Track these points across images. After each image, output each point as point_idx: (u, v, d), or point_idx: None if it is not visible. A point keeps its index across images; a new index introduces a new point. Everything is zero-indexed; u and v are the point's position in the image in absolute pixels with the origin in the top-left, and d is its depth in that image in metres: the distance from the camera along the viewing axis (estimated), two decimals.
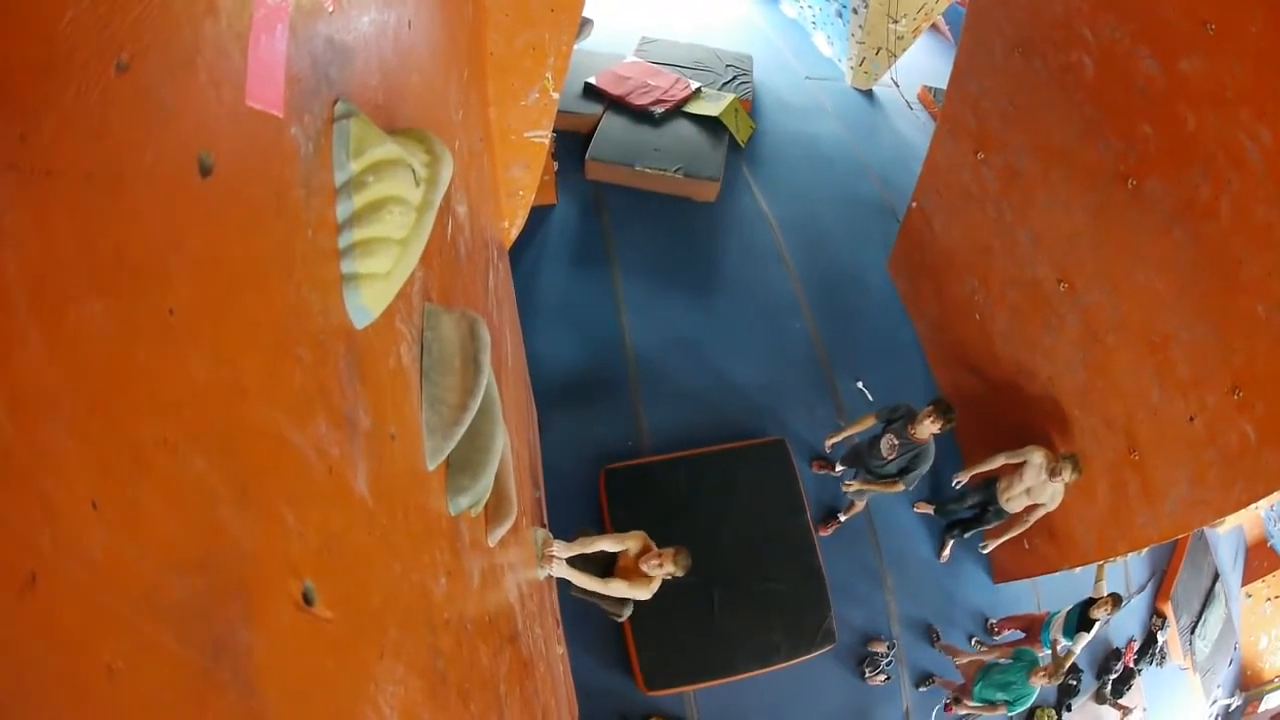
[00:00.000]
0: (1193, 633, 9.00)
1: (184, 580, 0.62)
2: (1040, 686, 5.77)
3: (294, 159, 0.92)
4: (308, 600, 0.84)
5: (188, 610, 0.62)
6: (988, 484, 6.74)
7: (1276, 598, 10.20)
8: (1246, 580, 10.48)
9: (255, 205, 0.81)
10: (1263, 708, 9.44)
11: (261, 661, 0.72)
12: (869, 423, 6.04)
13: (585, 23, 6.77)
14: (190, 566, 0.63)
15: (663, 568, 4.14)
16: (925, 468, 5.69)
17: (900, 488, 5.76)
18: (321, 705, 0.87)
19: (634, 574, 4.27)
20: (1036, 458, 6.22)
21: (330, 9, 1.08)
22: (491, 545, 2.23)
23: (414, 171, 1.19)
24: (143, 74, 0.60)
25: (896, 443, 5.72)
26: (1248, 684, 9.87)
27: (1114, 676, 7.84)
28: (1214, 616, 9.32)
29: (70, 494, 0.50)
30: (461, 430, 1.65)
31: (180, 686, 0.59)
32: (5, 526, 0.44)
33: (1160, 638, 8.56)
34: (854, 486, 5.96)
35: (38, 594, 0.46)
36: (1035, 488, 6.25)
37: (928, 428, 5.48)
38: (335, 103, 1.09)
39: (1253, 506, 6.54)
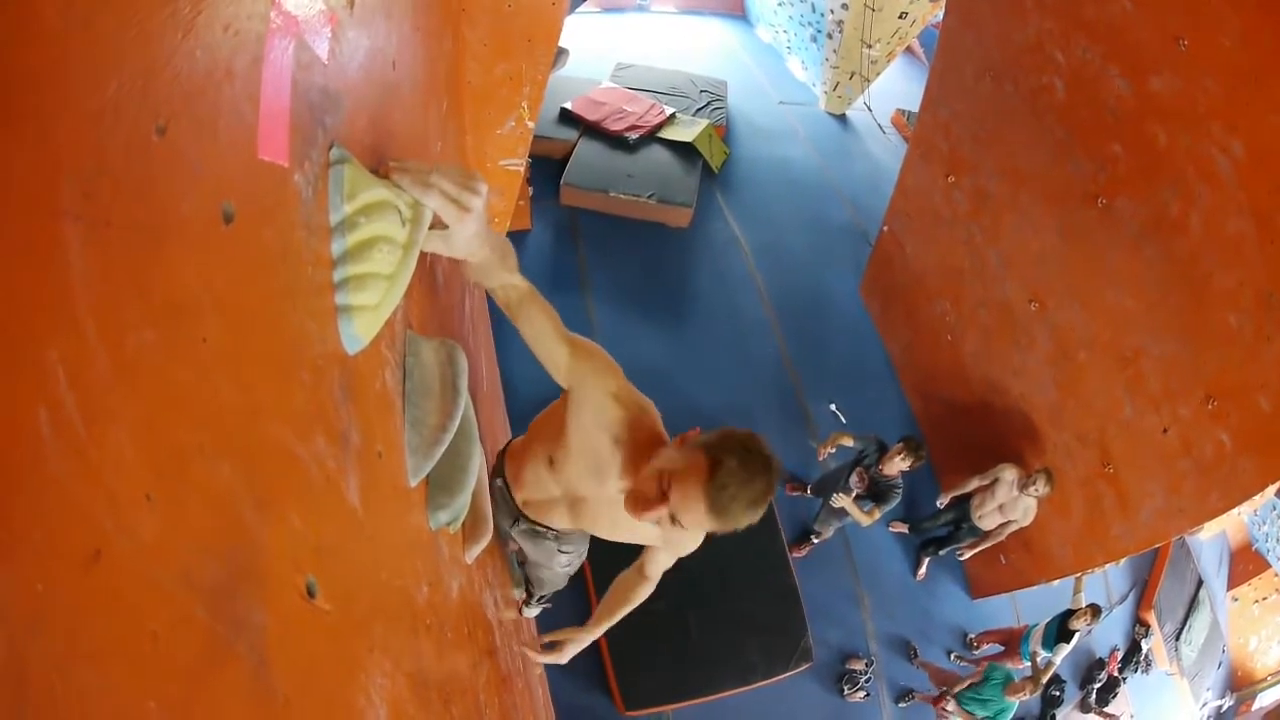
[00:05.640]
0: (1178, 639, 9.12)
1: (214, 565, 0.73)
2: (1019, 701, 5.83)
3: (296, 203, 1.03)
4: (310, 593, 0.95)
5: (216, 590, 0.72)
6: (961, 502, 6.82)
7: (1264, 600, 10.31)
8: (1233, 584, 10.61)
9: (267, 247, 0.92)
10: (1256, 705, 9.54)
11: (272, 640, 0.82)
12: (846, 440, 6.14)
13: (561, 52, 6.89)
14: (219, 554, 0.74)
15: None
16: (895, 502, 5.78)
17: (874, 518, 5.82)
18: (320, 685, 0.97)
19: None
20: (1007, 475, 6.32)
21: (326, 62, 1.19)
22: (468, 562, 2.31)
23: (400, 212, 1.30)
24: (177, 136, 0.71)
25: (867, 479, 5.81)
26: (1239, 684, 9.98)
27: (1098, 685, 7.94)
28: (1199, 622, 9.45)
29: (130, 488, 0.61)
30: (441, 450, 1.74)
31: (208, 654, 0.70)
32: (79, 511, 0.55)
33: (1144, 646, 8.66)
34: (841, 500, 5.90)
35: (101, 568, 0.57)
36: (1007, 504, 6.34)
37: (897, 464, 5.57)
38: (330, 148, 1.20)
39: (1234, 512, 6.64)
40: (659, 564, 2.64)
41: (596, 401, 2.11)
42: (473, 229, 1.55)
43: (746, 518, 1.91)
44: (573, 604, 5.00)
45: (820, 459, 6.60)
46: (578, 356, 2.07)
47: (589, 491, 2.33)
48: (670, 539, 2.40)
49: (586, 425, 2.14)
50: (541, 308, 1.99)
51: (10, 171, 0.50)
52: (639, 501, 1.96)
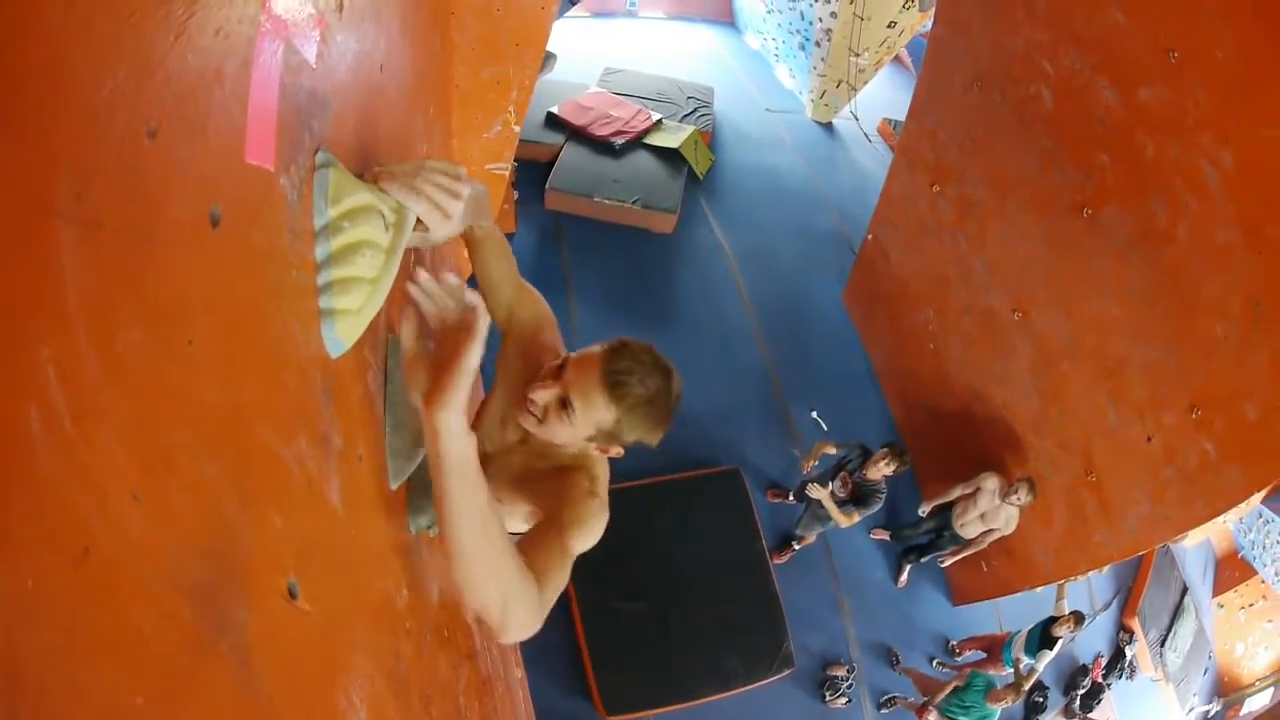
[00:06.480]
0: (1163, 645, 9.16)
1: (199, 564, 0.74)
2: (1002, 708, 5.85)
3: (282, 207, 1.04)
4: (292, 593, 0.96)
5: (201, 589, 0.73)
6: (943, 510, 6.84)
7: (1250, 606, 10.37)
8: (1218, 591, 10.65)
9: (253, 250, 0.93)
10: (1244, 710, 9.60)
11: (255, 640, 0.83)
12: (829, 449, 6.16)
13: (549, 57, 6.90)
14: (204, 553, 0.75)
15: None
16: (877, 507, 5.80)
17: (853, 520, 5.83)
18: (302, 685, 0.98)
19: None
20: (989, 483, 6.33)
21: (314, 66, 1.19)
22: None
23: (384, 216, 1.31)
24: (168, 139, 0.72)
25: (850, 483, 5.82)
26: (1225, 690, 10.04)
27: (1082, 692, 7.96)
28: (1184, 629, 9.50)
29: (118, 486, 0.62)
30: (421, 454, 1.75)
31: (192, 652, 0.71)
32: (68, 508, 0.56)
33: (1128, 652, 8.69)
34: (817, 491, 5.92)
35: (89, 564, 0.58)
36: (989, 513, 6.35)
37: (881, 469, 5.58)
38: (316, 152, 1.21)
39: (1219, 520, 6.64)
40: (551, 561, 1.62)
41: (523, 338, 2.14)
42: (454, 228, 1.58)
43: (643, 419, 1.81)
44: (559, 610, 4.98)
45: (804, 471, 6.62)
46: (520, 298, 2.15)
47: (495, 442, 2.13)
48: (564, 497, 1.89)
49: (510, 363, 2.13)
50: (502, 249, 2.04)
51: (9, 171, 0.51)
52: (536, 380, 1.83)
